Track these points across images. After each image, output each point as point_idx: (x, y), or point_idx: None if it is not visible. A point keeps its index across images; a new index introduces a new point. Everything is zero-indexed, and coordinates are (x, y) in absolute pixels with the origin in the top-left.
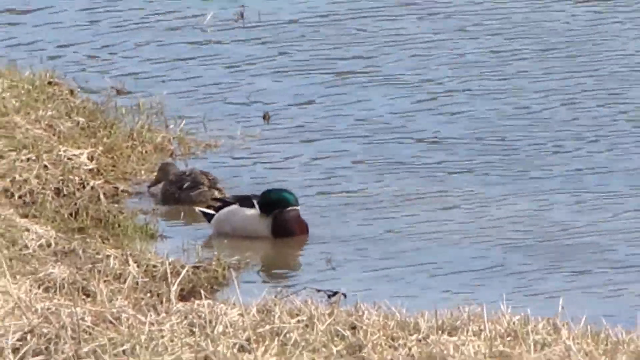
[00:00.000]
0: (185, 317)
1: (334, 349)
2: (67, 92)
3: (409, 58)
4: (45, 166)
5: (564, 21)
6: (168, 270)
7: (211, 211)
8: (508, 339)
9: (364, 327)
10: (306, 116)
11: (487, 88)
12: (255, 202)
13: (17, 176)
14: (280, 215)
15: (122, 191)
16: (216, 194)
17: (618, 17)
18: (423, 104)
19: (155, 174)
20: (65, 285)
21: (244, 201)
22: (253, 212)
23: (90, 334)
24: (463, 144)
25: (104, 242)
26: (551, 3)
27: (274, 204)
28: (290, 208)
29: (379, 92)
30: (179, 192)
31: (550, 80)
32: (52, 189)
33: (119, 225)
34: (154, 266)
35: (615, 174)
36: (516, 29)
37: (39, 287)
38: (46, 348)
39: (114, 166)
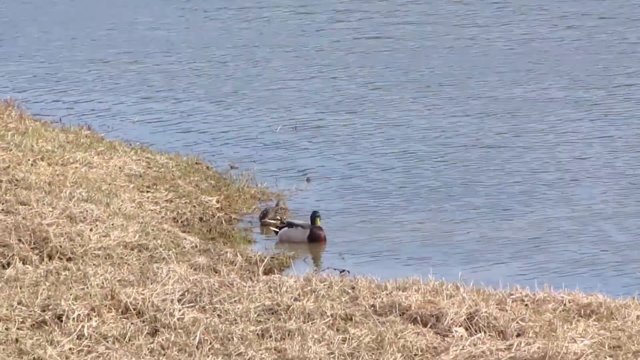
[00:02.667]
0: (266, 283)
1: (343, 299)
2: (205, 167)
3: None
4: (194, 206)
5: None
6: (257, 259)
7: (277, 229)
8: (433, 293)
9: (358, 287)
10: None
11: None
12: (300, 224)
13: (179, 211)
14: (312, 230)
15: (234, 219)
16: (279, 219)
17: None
18: None
19: (253, 210)
20: (205, 267)
21: (292, 224)
22: (298, 229)
23: (217, 292)
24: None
25: (224, 245)
26: None
27: (313, 219)
28: (318, 225)
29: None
30: (262, 218)
31: None
32: (198, 217)
33: (232, 236)
34: (250, 257)
35: None
36: None
37: (191, 268)
38: (194, 299)
39: (229, 205)
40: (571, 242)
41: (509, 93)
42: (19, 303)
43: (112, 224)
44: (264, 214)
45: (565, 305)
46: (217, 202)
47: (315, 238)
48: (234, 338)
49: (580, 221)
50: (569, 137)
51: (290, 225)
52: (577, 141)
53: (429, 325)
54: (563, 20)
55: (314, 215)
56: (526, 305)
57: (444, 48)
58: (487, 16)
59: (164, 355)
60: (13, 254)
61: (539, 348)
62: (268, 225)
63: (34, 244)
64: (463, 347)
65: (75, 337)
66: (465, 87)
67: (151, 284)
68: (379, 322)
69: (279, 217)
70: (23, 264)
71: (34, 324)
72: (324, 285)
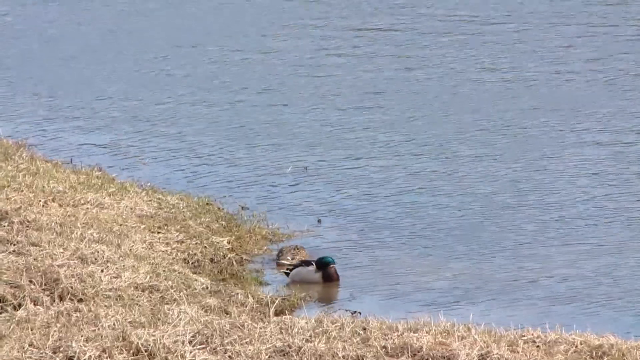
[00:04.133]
0: (278, 325)
1: (354, 340)
2: (217, 208)
3: None
4: (205, 247)
5: None
6: (269, 300)
7: (288, 270)
8: (444, 334)
9: (369, 328)
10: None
11: None
12: (313, 262)
13: (190, 252)
14: (326, 270)
15: (245, 259)
16: (289, 259)
17: None
18: None
19: (264, 251)
20: (216, 308)
21: (306, 264)
22: (311, 269)
23: (228, 333)
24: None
25: (235, 286)
26: None
27: (324, 263)
28: (332, 265)
29: None
30: (277, 259)
31: None
32: (209, 258)
33: (243, 277)
34: (261, 298)
35: None
36: None
37: (202, 309)
38: (206, 341)
39: (240, 246)
40: (583, 283)
41: (531, 131)
42: (30, 345)
43: (123, 265)
44: (279, 254)
45: (576, 347)
46: (228, 242)
47: (328, 277)
48: None
49: (593, 262)
50: (580, 174)
51: (307, 264)
52: (590, 179)
53: None
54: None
55: (324, 261)
56: (538, 346)
57: (447, 87)
58: (509, 57)
59: None
60: (24, 295)
61: None
62: (282, 265)
63: (45, 285)
64: None
65: None
66: (470, 123)
67: (162, 325)
68: None
69: (290, 258)
70: (34, 305)
71: None
72: (336, 326)
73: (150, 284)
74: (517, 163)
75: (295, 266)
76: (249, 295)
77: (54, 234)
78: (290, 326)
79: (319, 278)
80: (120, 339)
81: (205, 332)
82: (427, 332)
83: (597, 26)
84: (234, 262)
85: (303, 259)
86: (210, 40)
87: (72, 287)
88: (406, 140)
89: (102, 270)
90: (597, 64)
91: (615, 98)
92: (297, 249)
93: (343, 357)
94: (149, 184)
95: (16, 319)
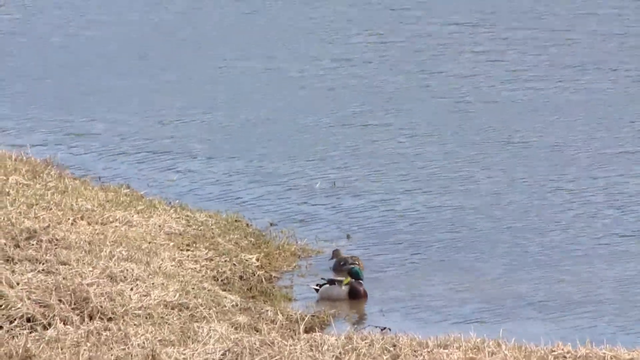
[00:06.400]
0: (307, 342)
1: (384, 357)
2: (245, 225)
3: None
4: (234, 264)
5: None
6: (298, 317)
7: (317, 287)
8: (475, 350)
9: (399, 345)
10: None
11: None
12: (340, 281)
13: (219, 269)
14: (352, 286)
15: (274, 277)
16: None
17: None
18: None
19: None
20: (245, 326)
21: (333, 282)
22: (337, 286)
23: (258, 351)
24: None
25: (264, 303)
26: None
27: (354, 273)
28: (359, 281)
29: None
30: (340, 267)
31: None
32: (238, 275)
33: (273, 294)
34: (291, 315)
35: None
36: None
37: (232, 327)
38: (236, 358)
39: (269, 263)
40: (613, 299)
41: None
42: None
43: (153, 283)
44: (341, 262)
45: None
46: (257, 260)
47: (355, 295)
48: None
49: (622, 277)
50: (617, 192)
51: (332, 282)
52: (626, 198)
53: None
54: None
55: (354, 271)
56: None
57: (481, 103)
58: (539, 71)
59: None
60: (54, 315)
61: None
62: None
63: (75, 304)
64: None
65: None
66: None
67: (192, 343)
68: None
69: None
70: (64, 324)
71: None
72: (365, 343)
73: (180, 301)
74: (549, 179)
75: (325, 284)
76: (279, 313)
77: (83, 252)
78: (320, 343)
79: (345, 295)
80: (150, 357)
81: (235, 349)
82: (457, 348)
83: None
84: (263, 279)
85: (332, 277)
86: (237, 55)
87: (101, 306)
88: (433, 157)
89: (131, 289)
90: None
91: None
92: (353, 258)
93: None
94: (177, 201)
95: (46, 338)
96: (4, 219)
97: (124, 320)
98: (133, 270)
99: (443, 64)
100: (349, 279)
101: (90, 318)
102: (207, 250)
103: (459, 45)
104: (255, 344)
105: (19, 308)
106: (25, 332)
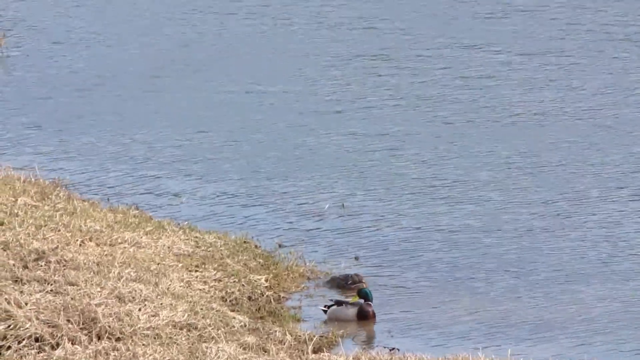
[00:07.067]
0: None
1: None
2: (254, 246)
3: None
4: (243, 285)
5: None
6: (306, 338)
7: (325, 308)
8: None
9: None
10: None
11: None
12: (345, 303)
13: (228, 290)
14: (361, 307)
15: (282, 297)
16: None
17: None
18: None
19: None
20: (254, 346)
21: (340, 303)
22: (344, 307)
23: None
24: None
25: (273, 323)
26: None
27: (364, 294)
28: (368, 302)
29: None
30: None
31: None
32: (246, 296)
33: (281, 315)
34: (299, 336)
35: None
36: None
37: (240, 347)
38: None
39: (278, 284)
40: (619, 317)
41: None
42: None
43: (161, 304)
44: (344, 280)
45: None
46: (266, 280)
47: (364, 315)
48: None
49: (629, 296)
50: (624, 214)
51: (339, 303)
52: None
53: None
54: None
55: (364, 292)
56: None
57: (491, 122)
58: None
59: None
60: (62, 335)
61: None
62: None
63: (83, 324)
64: None
65: None
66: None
67: None
68: None
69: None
70: (72, 344)
71: None
72: None
73: (188, 322)
74: (555, 199)
75: (331, 305)
76: (287, 333)
77: (91, 273)
78: None
79: (354, 316)
80: None
81: None
82: None
83: None
84: (272, 300)
85: (338, 298)
86: (242, 78)
87: (109, 326)
88: (440, 177)
89: (139, 309)
90: None
91: None
92: (357, 275)
93: None
94: (186, 222)
95: (54, 358)
96: (12, 240)
97: (132, 341)
98: (141, 290)
99: (441, 88)
100: (356, 297)
101: (99, 338)
102: (215, 271)
103: (456, 70)
104: None
105: (27, 328)
106: (33, 352)
